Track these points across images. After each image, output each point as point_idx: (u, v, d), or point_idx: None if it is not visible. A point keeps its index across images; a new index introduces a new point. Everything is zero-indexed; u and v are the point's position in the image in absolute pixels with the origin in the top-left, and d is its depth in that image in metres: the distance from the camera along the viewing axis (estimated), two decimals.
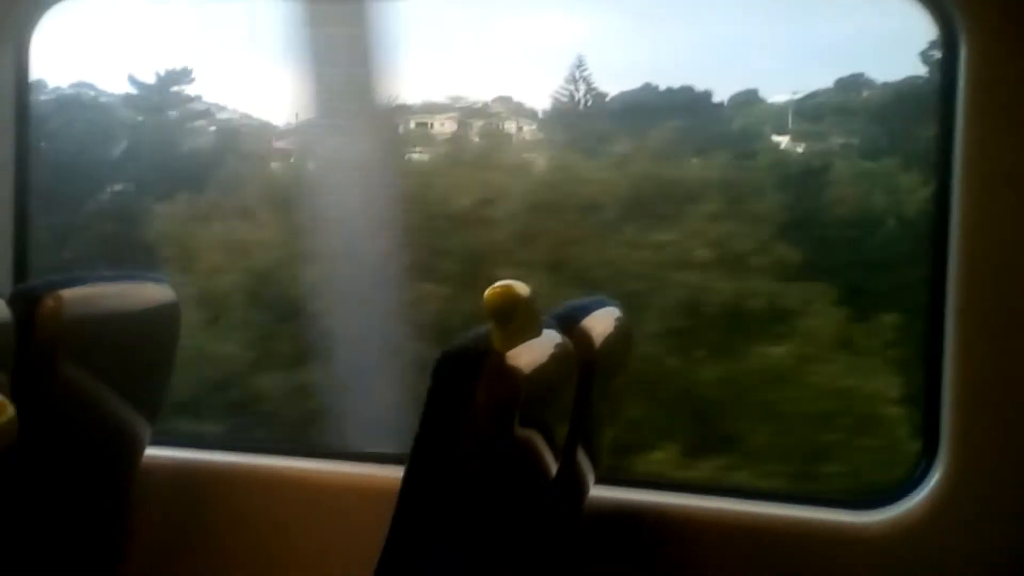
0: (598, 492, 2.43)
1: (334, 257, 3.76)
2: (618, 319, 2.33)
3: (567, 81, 4.31)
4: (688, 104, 4.23)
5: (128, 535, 2.44)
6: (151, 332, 2.39)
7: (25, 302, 2.01)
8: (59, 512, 2.14)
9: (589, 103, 4.36)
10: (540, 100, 4.56)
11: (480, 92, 4.46)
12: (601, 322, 2.20)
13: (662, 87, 4.23)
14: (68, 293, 2.08)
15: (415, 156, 4.59)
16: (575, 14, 4.14)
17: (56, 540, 2.14)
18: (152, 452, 2.50)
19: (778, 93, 4.42)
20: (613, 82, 4.30)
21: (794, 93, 4.40)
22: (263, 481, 2.69)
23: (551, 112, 4.51)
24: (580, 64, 4.30)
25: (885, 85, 4.24)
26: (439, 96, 4.49)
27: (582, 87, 4.34)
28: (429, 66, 3.99)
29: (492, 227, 4.07)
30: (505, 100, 4.62)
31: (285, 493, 2.67)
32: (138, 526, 2.50)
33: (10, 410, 0.71)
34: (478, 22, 4.03)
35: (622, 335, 2.32)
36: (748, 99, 4.44)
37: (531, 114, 4.65)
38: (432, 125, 4.52)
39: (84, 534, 2.26)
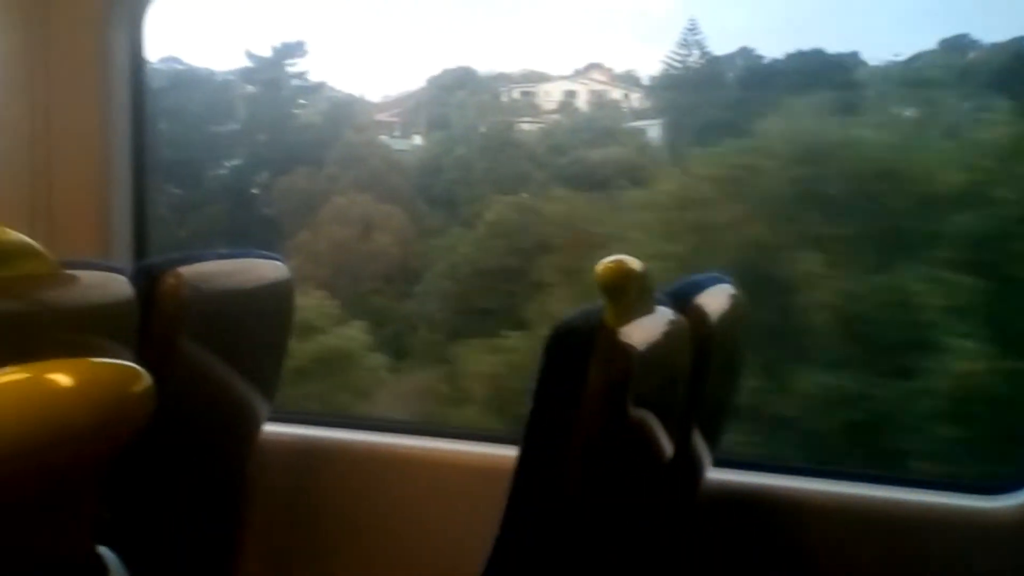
0: (715, 475, 2.38)
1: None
2: (733, 295, 2.27)
3: (680, 46, 4.20)
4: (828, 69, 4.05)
5: (245, 512, 2.49)
6: (268, 309, 2.42)
7: (146, 279, 2.05)
8: (179, 488, 2.19)
9: (702, 68, 4.24)
10: (644, 66, 4.46)
11: (574, 60, 4.38)
12: (716, 299, 2.14)
13: (778, 52, 4.09)
14: (187, 270, 2.11)
15: (524, 126, 4.53)
16: None
17: (176, 517, 2.19)
18: (269, 428, 2.54)
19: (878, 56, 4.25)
20: (713, 47, 4.18)
21: (896, 55, 4.21)
22: (377, 459, 2.72)
23: (662, 79, 4.39)
24: (693, 28, 4.19)
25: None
26: (535, 65, 4.43)
27: (695, 52, 4.23)
28: (522, 34, 3.94)
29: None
30: (599, 67, 4.54)
31: (399, 471, 2.69)
32: (254, 503, 2.55)
33: (147, 379, 0.71)
34: None
35: (738, 312, 2.26)
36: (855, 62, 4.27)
37: (632, 80, 4.55)
38: (537, 94, 4.47)
39: (203, 511, 2.31)
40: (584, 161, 4.22)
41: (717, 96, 4.41)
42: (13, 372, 0.61)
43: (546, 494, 1.69)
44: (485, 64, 4.14)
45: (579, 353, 1.63)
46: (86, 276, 1.94)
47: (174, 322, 2.07)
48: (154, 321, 2.03)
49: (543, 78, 4.44)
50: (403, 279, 4.09)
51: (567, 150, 4.15)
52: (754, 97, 4.27)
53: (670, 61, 4.37)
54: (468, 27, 3.72)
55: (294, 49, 4.13)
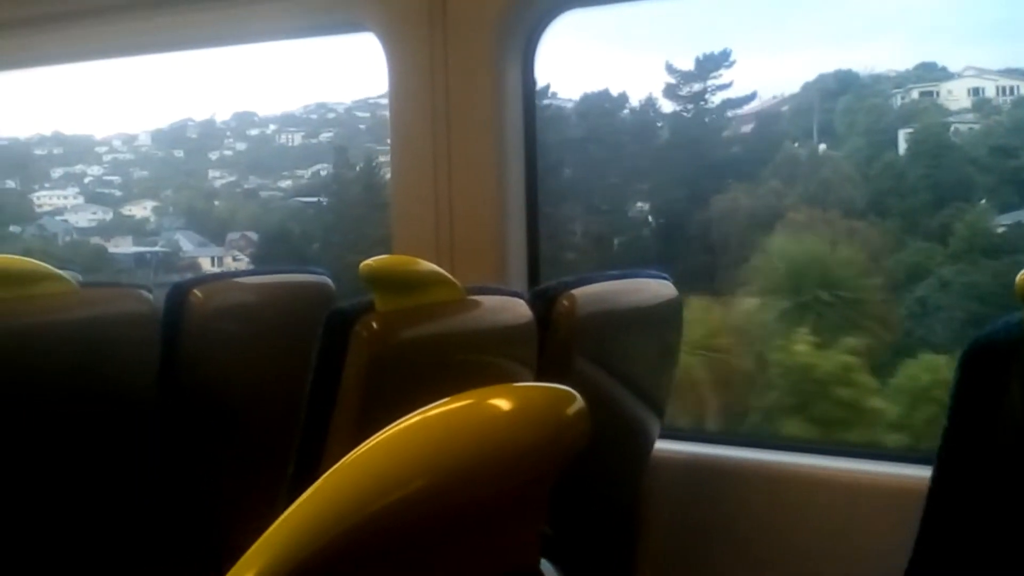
0: None
1: None
2: None
3: None
4: None
5: (639, 530, 2.52)
6: (657, 327, 2.45)
7: (543, 302, 2.14)
8: (581, 507, 2.25)
9: None
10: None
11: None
12: None
13: None
14: (580, 292, 2.18)
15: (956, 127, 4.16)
16: None
17: (577, 536, 2.25)
18: (661, 446, 2.56)
19: None
20: None
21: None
22: (772, 478, 2.64)
23: None
24: None
25: None
26: (925, 63, 4.12)
27: None
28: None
29: None
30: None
31: (795, 490, 2.59)
32: (649, 521, 2.57)
33: (580, 401, 0.72)
34: None
35: None
36: None
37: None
38: (938, 94, 4.14)
39: (600, 528, 2.36)
40: None
41: None
42: (457, 400, 0.65)
43: (965, 518, 1.57)
44: (863, 66, 3.89)
45: (998, 368, 1.50)
46: (489, 301, 2.06)
47: (570, 342, 2.14)
48: (551, 342, 2.12)
49: (943, 76, 4.11)
50: (886, 296, 3.81)
51: (1016, 152, 3.76)
52: None
53: None
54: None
55: (720, 60, 3.99)
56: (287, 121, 5.96)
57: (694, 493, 2.71)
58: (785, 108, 4.19)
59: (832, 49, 3.82)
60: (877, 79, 4.06)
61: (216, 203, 5.94)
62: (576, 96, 4.21)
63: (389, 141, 3.14)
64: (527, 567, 0.72)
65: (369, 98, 5.72)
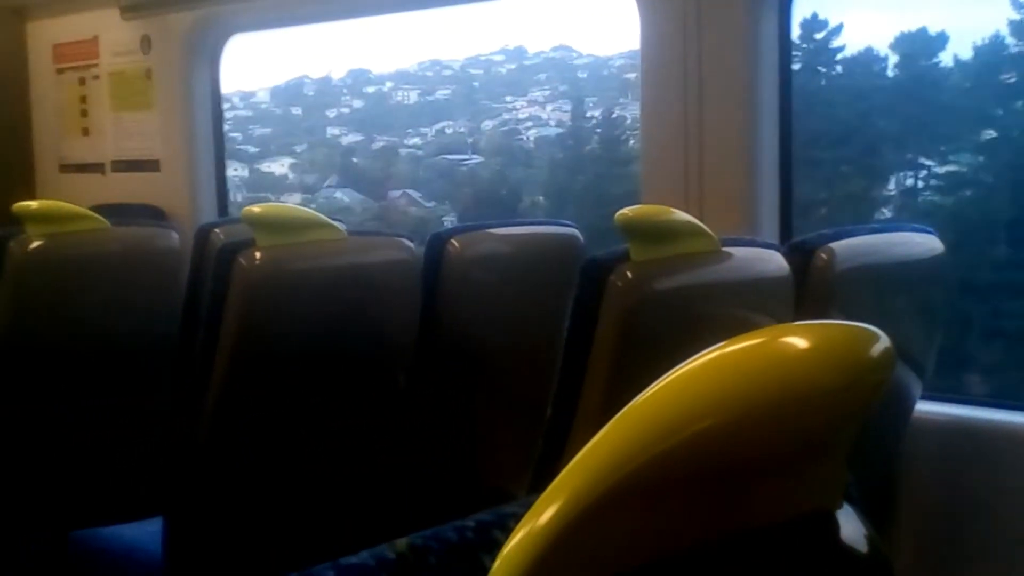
0: None
1: None
2: None
3: None
4: None
5: (900, 495, 2.42)
6: (921, 284, 2.33)
7: (800, 255, 2.08)
8: None
9: None
10: None
11: None
12: None
13: None
14: (838, 246, 2.11)
15: None
16: None
17: None
18: (922, 407, 2.44)
19: None
20: None
21: None
22: None
23: None
24: None
25: None
26: None
27: None
28: None
29: None
30: None
31: None
32: (910, 487, 2.46)
33: (885, 340, 0.71)
34: None
35: None
36: None
37: None
38: None
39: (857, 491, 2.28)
40: None
41: None
42: (745, 339, 0.65)
43: None
44: None
45: None
46: (744, 253, 2.03)
47: (827, 298, 2.08)
48: (807, 297, 2.06)
49: None
50: None
51: None
52: None
53: None
54: None
55: None
56: (402, 78, 5.99)
57: (956, 458, 2.57)
58: None
59: None
60: None
61: (355, 160, 6.01)
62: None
63: (640, 93, 3.13)
64: (825, 510, 0.71)
65: (480, 55, 5.68)
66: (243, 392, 2.32)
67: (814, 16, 3.77)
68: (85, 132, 4.62)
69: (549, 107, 5.66)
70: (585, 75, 5.78)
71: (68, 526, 2.78)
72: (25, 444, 2.65)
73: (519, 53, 5.68)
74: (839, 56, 4.01)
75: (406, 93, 6.02)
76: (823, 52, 4.00)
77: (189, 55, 4.20)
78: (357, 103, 6.14)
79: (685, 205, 2.90)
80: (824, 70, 4.13)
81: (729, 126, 2.91)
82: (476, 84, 5.97)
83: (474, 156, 5.78)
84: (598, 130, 5.52)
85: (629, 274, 1.76)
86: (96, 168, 4.59)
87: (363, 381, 2.56)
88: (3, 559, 2.72)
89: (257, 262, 2.30)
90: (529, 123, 5.66)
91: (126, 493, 2.79)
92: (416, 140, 5.94)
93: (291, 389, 2.41)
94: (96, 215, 2.90)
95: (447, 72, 5.96)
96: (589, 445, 0.60)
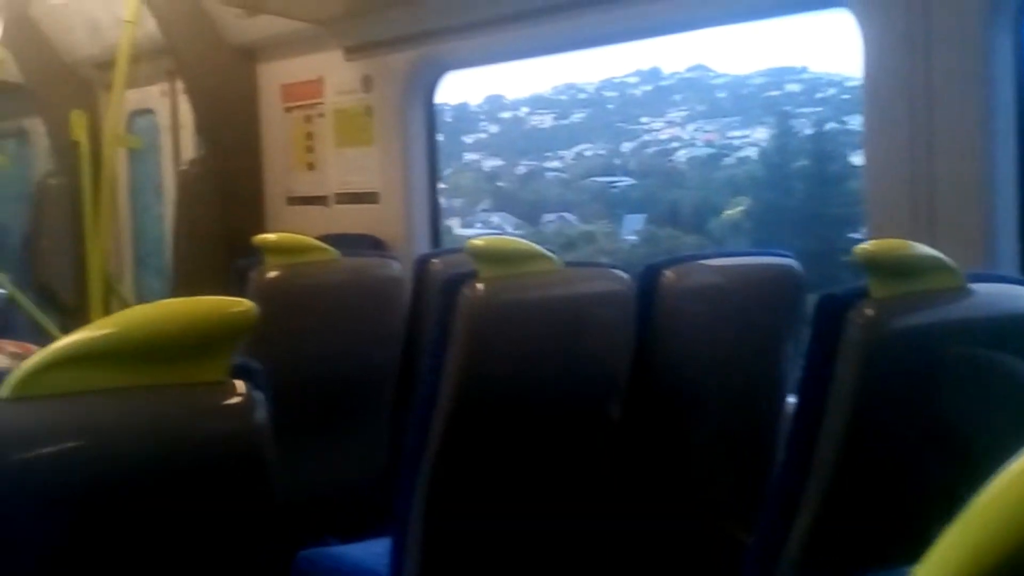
0: None
1: None
2: None
3: None
4: None
5: None
6: None
7: None
8: None
9: None
10: None
11: None
12: None
13: None
14: None
15: None
16: None
17: None
18: None
19: None
20: None
21: None
22: None
23: None
24: None
25: None
26: None
27: None
28: None
29: None
30: None
31: None
32: None
33: None
34: None
35: None
36: None
37: None
38: None
39: None
40: None
41: None
42: None
43: None
44: None
45: None
46: (992, 289, 1.92)
47: None
48: None
49: None
50: None
51: None
52: None
53: None
54: None
55: None
56: (537, 103, 5.89)
57: None
58: None
59: None
60: None
61: (500, 184, 5.94)
62: None
63: (863, 116, 3.02)
64: None
65: (615, 77, 5.51)
66: (468, 415, 2.37)
67: None
68: (310, 167, 4.88)
69: (690, 127, 5.57)
70: (724, 95, 5.65)
71: (296, 545, 2.90)
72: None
73: (654, 74, 5.62)
74: None
75: (541, 117, 6.05)
76: None
77: (407, 92, 4.37)
78: (493, 128, 6.21)
79: (913, 236, 2.77)
80: None
81: (962, 150, 2.76)
82: (611, 107, 5.91)
83: (624, 178, 5.73)
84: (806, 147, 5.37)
85: (870, 312, 1.70)
86: (320, 200, 4.83)
87: (578, 411, 2.57)
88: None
89: (481, 293, 2.35)
90: (675, 143, 5.57)
91: (353, 513, 2.89)
92: (556, 163, 5.94)
93: (511, 416, 2.45)
94: (327, 246, 3.05)
95: (582, 95, 5.95)
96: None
